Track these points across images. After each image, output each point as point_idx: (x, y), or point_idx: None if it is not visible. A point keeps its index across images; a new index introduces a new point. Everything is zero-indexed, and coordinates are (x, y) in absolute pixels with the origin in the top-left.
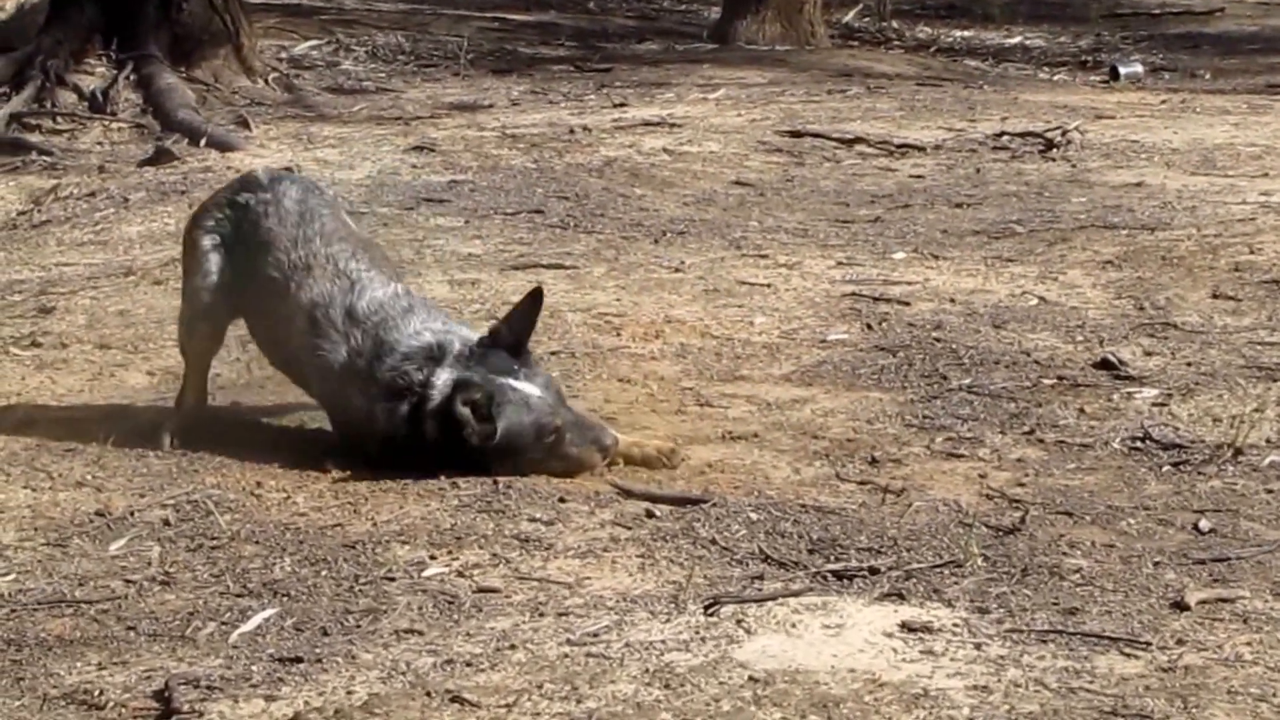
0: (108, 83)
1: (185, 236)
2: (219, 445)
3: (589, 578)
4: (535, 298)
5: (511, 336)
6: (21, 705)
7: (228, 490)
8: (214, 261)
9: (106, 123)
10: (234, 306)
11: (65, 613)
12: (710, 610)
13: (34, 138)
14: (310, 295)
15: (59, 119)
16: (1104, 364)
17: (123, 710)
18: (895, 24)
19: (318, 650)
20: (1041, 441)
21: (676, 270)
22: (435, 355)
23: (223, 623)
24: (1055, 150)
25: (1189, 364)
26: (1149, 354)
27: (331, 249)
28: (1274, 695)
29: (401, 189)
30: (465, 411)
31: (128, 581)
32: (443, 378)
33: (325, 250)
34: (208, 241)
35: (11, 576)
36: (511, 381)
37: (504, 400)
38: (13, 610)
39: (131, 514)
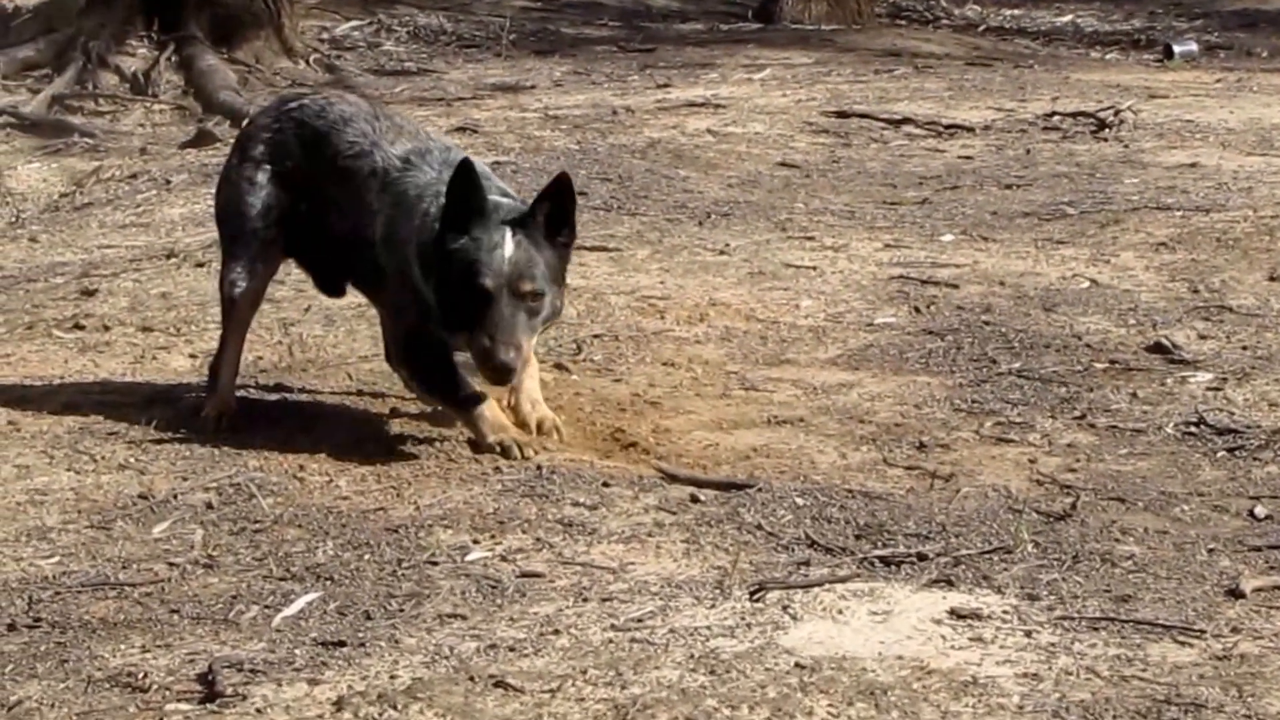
0: (149, 64)
1: (225, 183)
2: (262, 429)
3: (633, 563)
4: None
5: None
6: (66, 688)
7: (270, 474)
8: (265, 193)
9: (148, 104)
10: (289, 238)
11: (109, 595)
12: (756, 596)
13: (76, 120)
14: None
15: (100, 101)
16: (1157, 347)
17: (166, 693)
18: (944, 2)
19: (361, 634)
20: (1093, 426)
21: (721, 253)
22: None
23: (266, 606)
24: (1107, 130)
25: (1244, 347)
26: (1203, 337)
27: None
28: None
29: None
30: None
31: (171, 564)
32: None
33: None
34: (259, 175)
35: (55, 559)
36: None
37: None
38: (57, 593)
39: (175, 497)
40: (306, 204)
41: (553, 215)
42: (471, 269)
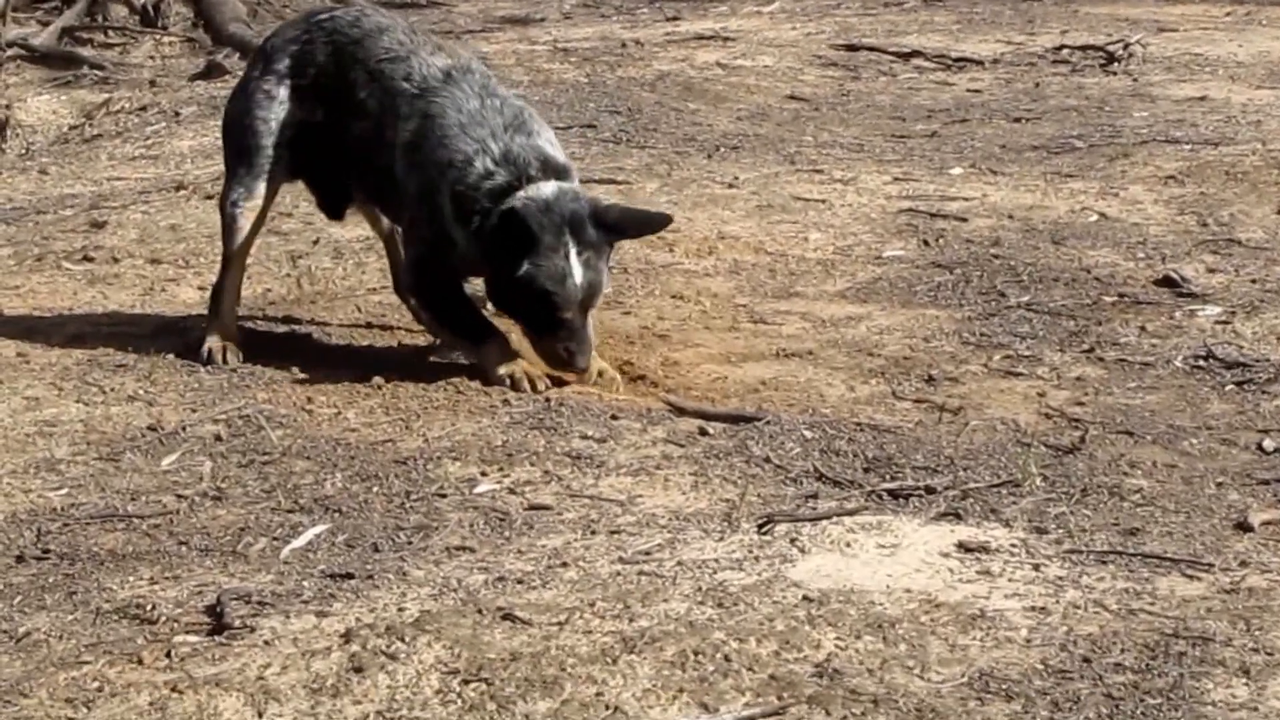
0: None
1: (239, 96)
2: (270, 360)
3: (641, 495)
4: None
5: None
6: (74, 619)
7: (279, 405)
8: (281, 108)
9: (158, 37)
10: (299, 156)
11: (117, 527)
12: (764, 529)
13: (86, 52)
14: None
15: (110, 33)
16: (1166, 281)
17: (174, 625)
18: None
19: (369, 567)
20: (1101, 360)
21: (730, 186)
22: None
23: (274, 538)
24: (1116, 64)
25: (1253, 281)
26: (1212, 271)
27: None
28: None
29: None
30: None
31: (179, 496)
32: None
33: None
34: (279, 89)
35: (64, 491)
36: None
37: None
38: (65, 524)
39: (183, 429)
40: (326, 112)
41: (622, 230)
42: (545, 299)
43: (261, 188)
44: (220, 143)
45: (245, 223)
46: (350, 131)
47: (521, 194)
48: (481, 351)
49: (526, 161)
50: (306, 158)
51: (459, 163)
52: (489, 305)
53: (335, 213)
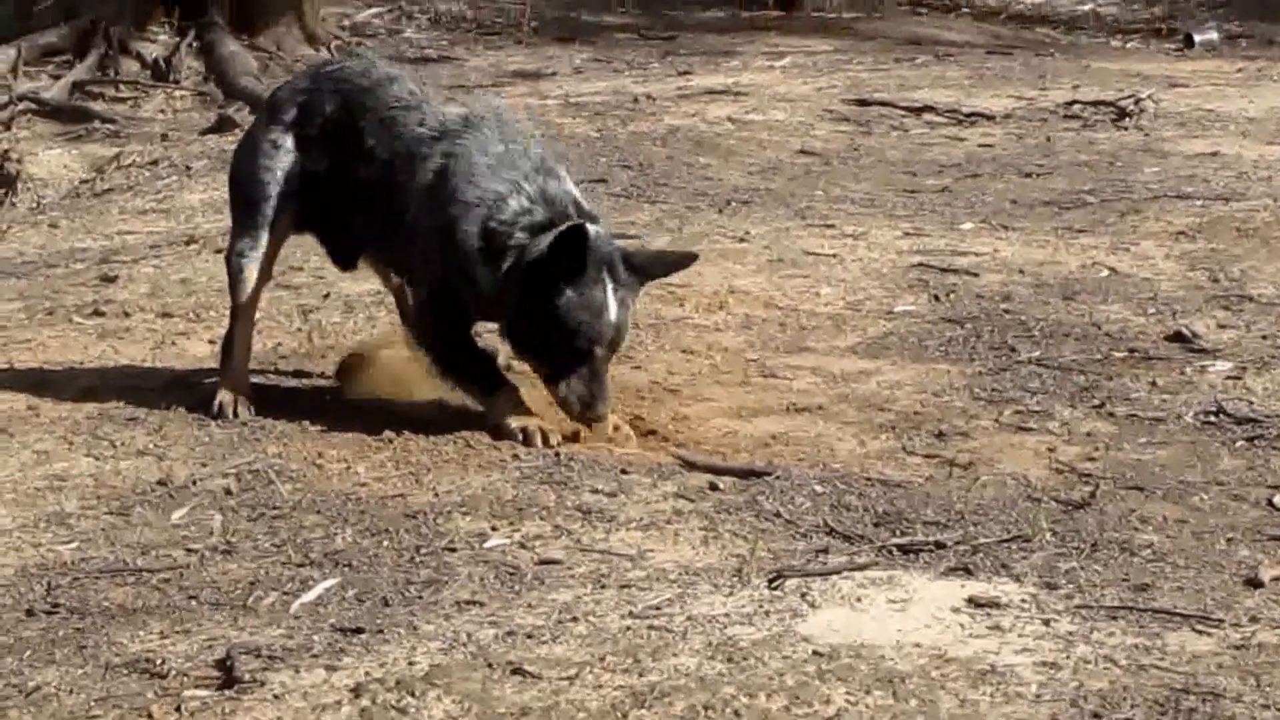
0: (170, 50)
1: (245, 147)
2: (281, 414)
3: (651, 550)
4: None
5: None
6: (84, 673)
7: (290, 460)
8: (288, 159)
9: (169, 90)
10: (306, 208)
11: (127, 581)
12: (774, 584)
13: (97, 106)
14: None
15: (122, 87)
16: (1177, 337)
17: (184, 679)
18: None
19: (379, 621)
20: (1112, 415)
21: (741, 240)
22: None
23: (284, 592)
24: (1128, 119)
25: (1264, 337)
26: (1223, 327)
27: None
28: None
29: None
30: None
31: (189, 550)
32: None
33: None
34: (285, 139)
35: (75, 545)
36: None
37: None
38: (76, 578)
39: (193, 483)
40: (333, 162)
41: (652, 271)
42: (578, 332)
43: (265, 237)
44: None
45: (251, 274)
46: (359, 179)
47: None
48: (492, 402)
49: (564, 202)
50: (314, 209)
51: (491, 200)
52: (502, 354)
53: (347, 264)
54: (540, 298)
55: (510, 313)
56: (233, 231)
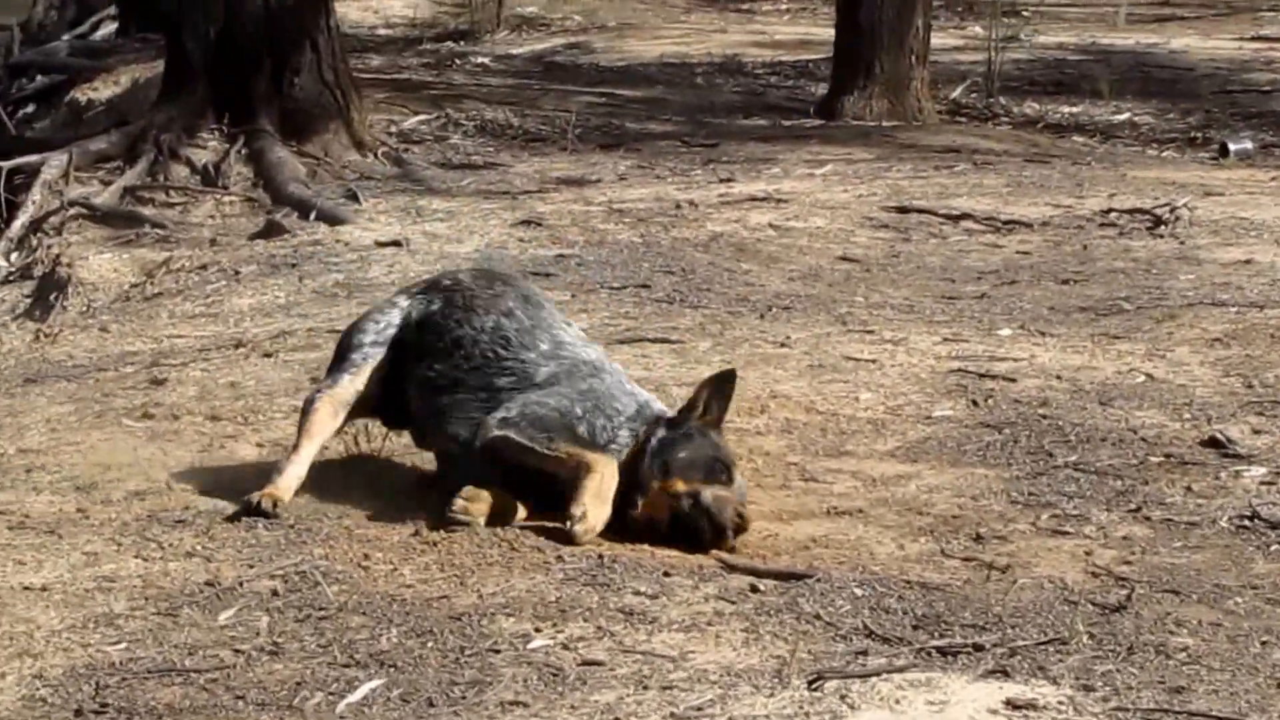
0: (219, 156)
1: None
2: (327, 517)
3: (693, 651)
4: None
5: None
6: None
7: (335, 561)
8: (390, 330)
9: (218, 196)
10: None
11: (175, 681)
12: (814, 685)
13: (147, 211)
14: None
15: (171, 192)
16: (1212, 442)
17: None
18: (1003, 100)
19: None
20: (1148, 519)
21: (782, 345)
22: None
23: (330, 693)
24: (1163, 227)
25: None
26: (1258, 432)
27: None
28: None
29: (509, 262)
30: None
31: (236, 651)
32: None
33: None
34: (394, 315)
35: (123, 645)
36: None
37: None
38: (124, 679)
39: (240, 584)
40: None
41: None
42: None
43: (355, 384)
44: (278, 299)
45: (325, 408)
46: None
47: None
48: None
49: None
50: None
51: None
52: None
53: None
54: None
55: None
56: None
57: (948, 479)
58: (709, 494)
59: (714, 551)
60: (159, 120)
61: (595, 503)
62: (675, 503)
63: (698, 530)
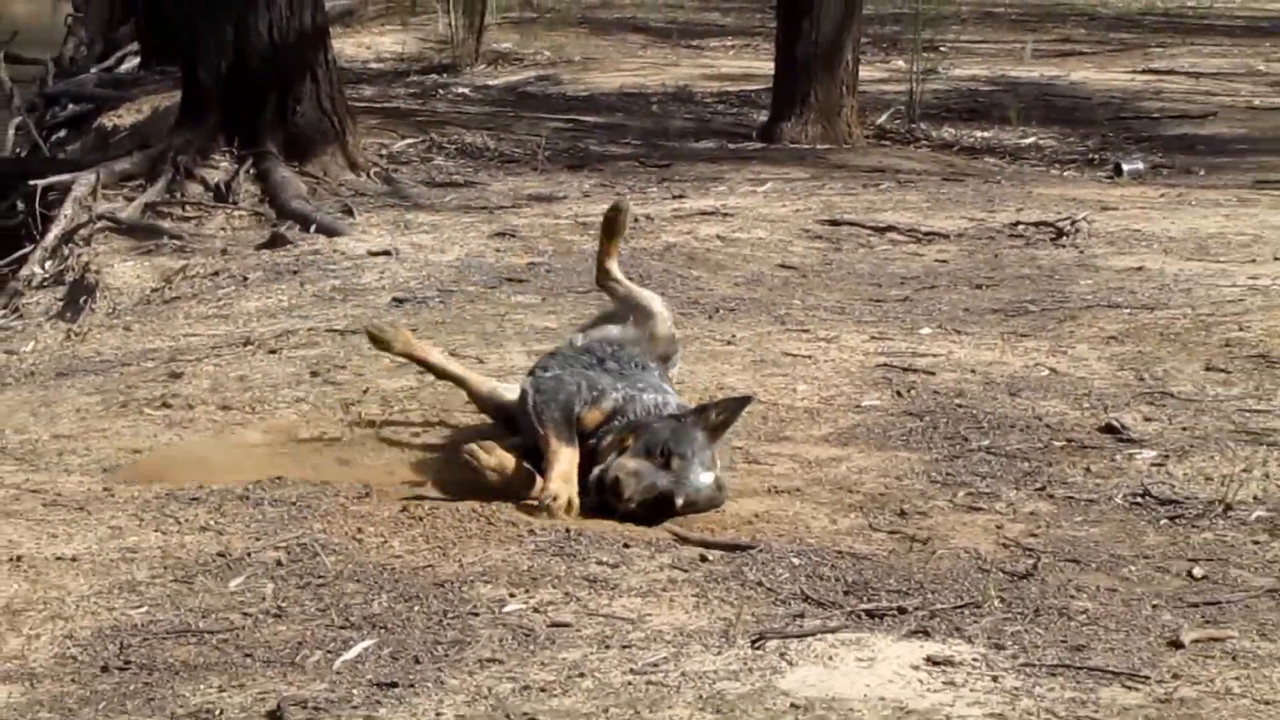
0: (230, 176)
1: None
2: (325, 494)
3: (650, 614)
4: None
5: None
6: None
7: (332, 535)
8: None
9: (229, 211)
10: None
11: (190, 641)
12: (757, 644)
13: (166, 224)
14: None
15: (188, 208)
16: (1108, 428)
17: None
18: (923, 125)
19: (411, 677)
20: (1052, 497)
21: (728, 343)
22: None
23: (328, 652)
24: (1065, 238)
25: (1184, 429)
26: (1148, 420)
27: None
28: None
29: (486, 270)
30: None
31: (245, 614)
32: None
33: None
34: None
35: (144, 609)
36: None
37: None
38: (145, 639)
39: (248, 555)
40: None
41: None
42: None
43: None
44: (281, 302)
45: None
46: None
47: None
48: None
49: None
50: None
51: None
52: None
53: None
54: None
55: None
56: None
57: (875, 461)
58: (626, 464)
59: (667, 525)
60: (177, 143)
61: (562, 483)
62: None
63: (603, 497)
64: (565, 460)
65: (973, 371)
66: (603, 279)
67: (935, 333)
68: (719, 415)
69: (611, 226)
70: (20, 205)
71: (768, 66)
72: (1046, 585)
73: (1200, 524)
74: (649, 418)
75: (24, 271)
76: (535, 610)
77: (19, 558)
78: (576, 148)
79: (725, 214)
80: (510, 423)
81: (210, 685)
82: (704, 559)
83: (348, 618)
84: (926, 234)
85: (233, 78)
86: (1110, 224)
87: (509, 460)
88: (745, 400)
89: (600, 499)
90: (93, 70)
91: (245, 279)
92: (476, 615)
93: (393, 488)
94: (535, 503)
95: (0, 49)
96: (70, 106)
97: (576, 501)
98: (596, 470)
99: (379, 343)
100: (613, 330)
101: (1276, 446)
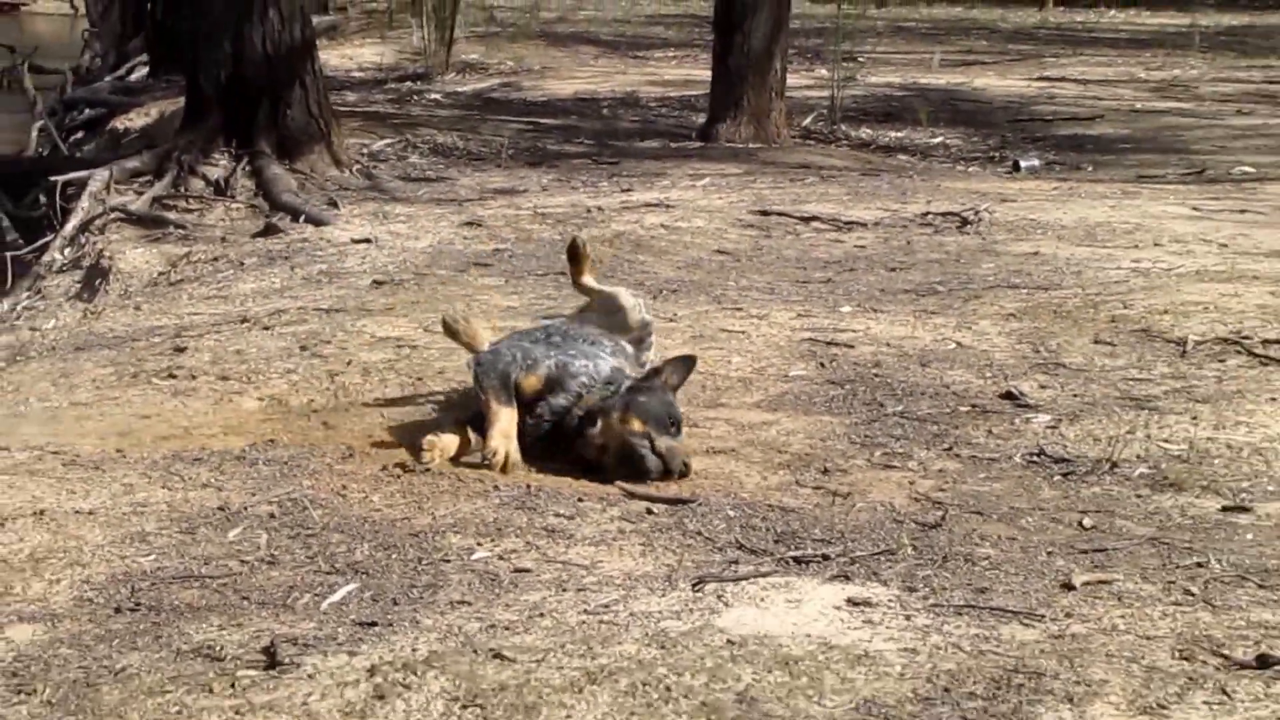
0: (228, 173)
1: None
2: (314, 455)
3: (602, 561)
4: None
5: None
6: (160, 657)
7: (320, 491)
8: None
9: (227, 204)
10: None
11: (193, 585)
12: (697, 587)
13: (171, 215)
14: None
15: (191, 201)
16: (1007, 395)
17: (238, 662)
18: (843, 127)
19: (389, 616)
20: (958, 456)
21: (671, 320)
22: None
23: (315, 594)
24: (969, 226)
25: (1075, 395)
26: (1043, 387)
27: None
28: (1142, 657)
29: (456, 255)
30: None
31: (242, 561)
32: None
33: None
34: None
35: (153, 557)
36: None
37: None
38: (153, 583)
39: (245, 509)
40: None
41: None
42: None
43: None
44: (275, 284)
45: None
46: None
47: None
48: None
49: None
50: None
51: None
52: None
53: None
54: None
55: None
56: None
57: (801, 425)
58: (663, 443)
59: (617, 481)
60: (181, 144)
61: (502, 440)
62: (630, 439)
63: (645, 468)
64: (504, 419)
65: (888, 345)
66: (580, 289)
67: (854, 310)
68: (673, 376)
69: (574, 255)
70: (42, 199)
71: (705, 74)
72: (953, 534)
73: (1089, 480)
74: (628, 394)
75: (46, 258)
76: (500, 558)
77: (42, 511)
78: (536, 147)
79: (668, 205)
80: None
81: (211, 624)
82: (649, 512)
83: (333, 564)
84: (846, 223)
85: (231, 85)
86: (1009, 214)
87: (451, 444)
88: (691, 359)
89: (629, 462)
90: (106, 79)
91: (242, 264)
92: (448, 562)
93: (372, 449)
94: (479, 458)
95: (25, 61)
96: (86, 111)
97: (516, 456)
98: (641, 450)
99: (450, 332)
100: (592, 318)
101: (1156, 411)
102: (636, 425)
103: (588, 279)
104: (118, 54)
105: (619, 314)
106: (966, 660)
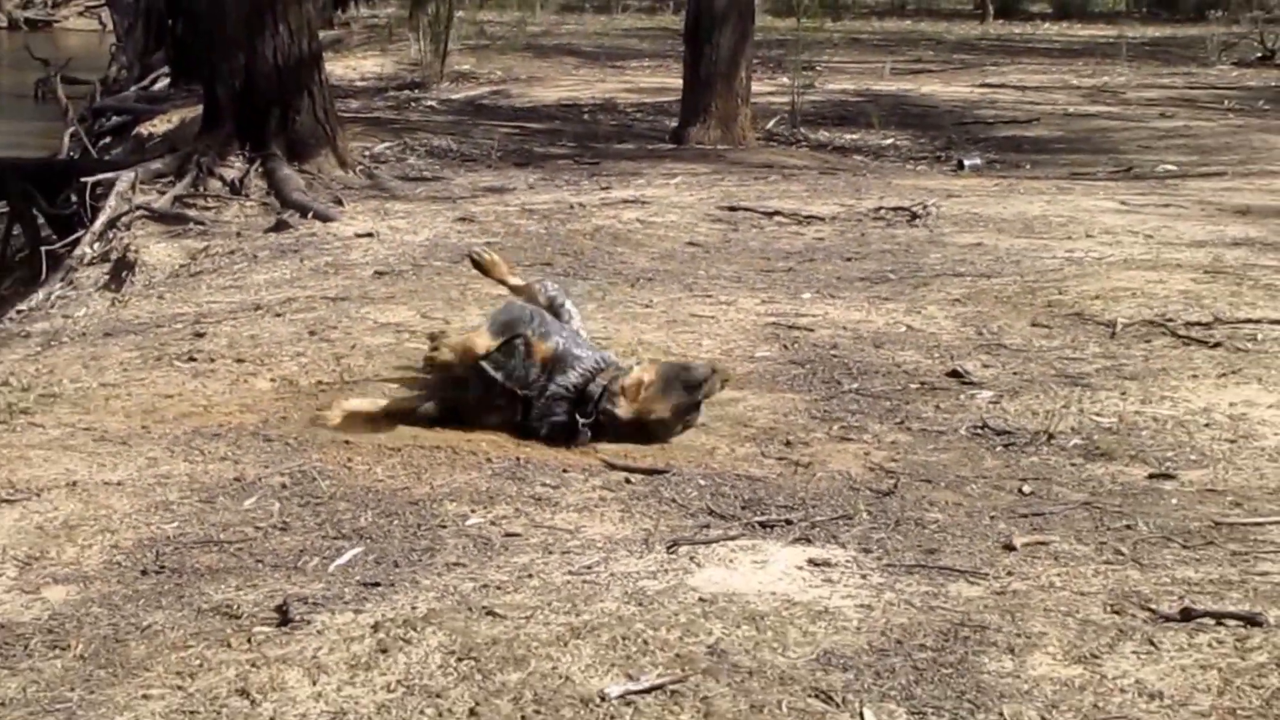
0: (243, 174)
1: None
2: (322, 433)
3: (585, 526)
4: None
5: None
6: (182, 615)
7: (327, 463)
8: None
9: (242, 202)
10: None
11: (212, 550)
12: (671, 550)
13: (191, 212)
14: None
15: (209, 199)
16: (953, 373)
17: (253, 619)
18: (803, 130)
19: (391, 577)
20: (909, 429)
21: (646, 307)
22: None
23: (323, 557)
24: (918, 220)
25: (1015, 374)
26: (986, 366)
27: None
28: (1077, 612)
29: (450, 248)
30: None
31: (256, 528)
32: None
33: None
34: None
35: (175, 524)
36: None
37: None
38: (176, 548)
39: (259, 480)
40: None
41: None
42: None
43: None
44: (286, 275)
45: None
46: None
47: None
48: None
49: None
50: None
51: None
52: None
53: None
54: None
55: None
56: None
57: (766, 401)
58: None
59: (598, 453)
60: (200, 148)
61: (446, 340)
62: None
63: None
64: (475, 336)
65: (845, 328)
66: (514, 291)
67: (814, 297)
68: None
69: (480, 267)
70: (74, 198)
71: (677, 82)
72: (905, 501)
73: (1028, 450)
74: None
75: (77, 252)
76: (492, 523)
77: (74, 483)
78: (523, 149)
79: (644, 202)
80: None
81: (229, 585)
82: (628, 481)
83: (340, 530)
84: (806, 217)
85: (244, 94)
86: (954, 209)
87: (361, 406)
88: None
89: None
90: (132, 89)
91: (255, 257)
92: (444, 528)
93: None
94: (434, 351)
95: (58, 73)
96: (114, 118)
97: (445, 358)
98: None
99: (479, 266)
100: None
101: (1089, 388)
102: (652, 386)
103: (511, 279)
104: (142, 66)
105: (538, 299)
106: (917, 615)
